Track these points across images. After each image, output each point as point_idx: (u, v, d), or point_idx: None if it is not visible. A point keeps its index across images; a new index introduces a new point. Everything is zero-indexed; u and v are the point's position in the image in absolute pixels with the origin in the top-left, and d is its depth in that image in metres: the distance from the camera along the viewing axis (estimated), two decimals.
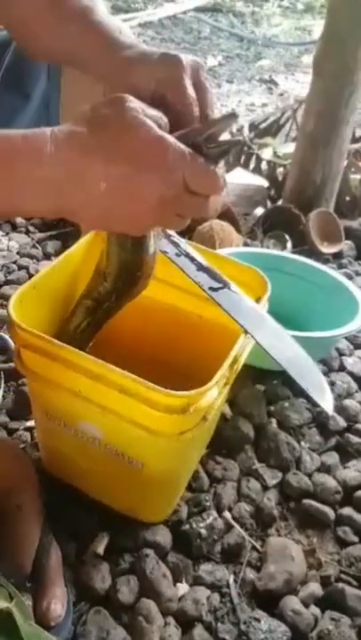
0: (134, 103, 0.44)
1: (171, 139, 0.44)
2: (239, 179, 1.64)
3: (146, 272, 0.64)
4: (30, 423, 0.90)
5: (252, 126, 1.90)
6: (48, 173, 0.43)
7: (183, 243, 0.74)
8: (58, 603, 0.65)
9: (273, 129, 1.94)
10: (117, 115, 0.43)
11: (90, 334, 0.73)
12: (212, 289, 0.71)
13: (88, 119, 0.44)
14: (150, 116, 0.45)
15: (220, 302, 0.70)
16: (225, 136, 0.52)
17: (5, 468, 0.75)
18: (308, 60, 3.12)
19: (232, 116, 0.48)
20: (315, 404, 0.67)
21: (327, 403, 0.64)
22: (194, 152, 0.45)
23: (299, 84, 2.97)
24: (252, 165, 1.76)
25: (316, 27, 3.59)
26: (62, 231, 1.40)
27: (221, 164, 0.48)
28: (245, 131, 1.85)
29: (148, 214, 0.45)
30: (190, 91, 0.49)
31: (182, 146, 0.45)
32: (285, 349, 0.67)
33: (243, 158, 1.77)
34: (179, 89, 0.49)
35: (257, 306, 0.73)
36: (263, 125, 1.93)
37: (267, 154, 1.77)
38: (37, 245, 1.37)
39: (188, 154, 0.44)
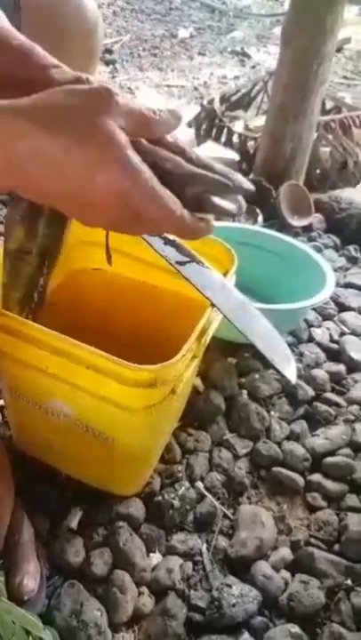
0: (114, 116, 0.39)
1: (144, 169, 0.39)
2: (210, 152, 1.63)
3: None
4: (0, 402, 0.90)
5: (224, 99, 1.88)
6: None
7: None
8: (30, 578, 0.66)
9: (244, 102, 1.92)
10: (91, 116, 0.38)
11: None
12: (179, 263, 0.71)
13: (57, 102, 0.39)
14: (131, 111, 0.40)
15: (187, 276, 0.70)
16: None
17: None
18: (279, 31, 3.08)
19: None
20: (281, 375, 0.68)
21: (291, 373, 0.65)
22: (159, 185, 0.40)
23: (271, 56, 2.93)
24: (223, 138, 1.74)
25: None
26: None
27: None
28: (217, 103, 1.82)
29: (100, 214, 0.41)
30: None
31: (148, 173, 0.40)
32: (251, 322, 0.67)
33: (214, 131, 1.76)
34: None
35: (224, 279, 0.73)
36: (234, 98, 1.91)
37: (238, 127, 1.75)
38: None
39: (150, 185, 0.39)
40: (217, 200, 0.45)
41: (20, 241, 0.59)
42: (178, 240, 0.72)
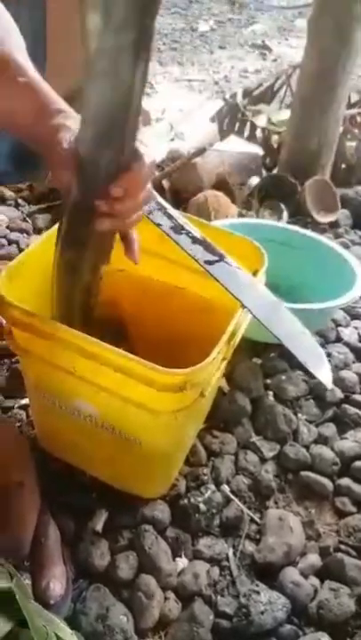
0: None
1: None
2: (234, 147, 1.60)
3: None
4: (25, 401, 0.89)
5: (246, 93, 1.85)
6: None
7: (178, 215, 0.72)
8: (57, 582, 0.65)
9: (267, 95, 1.89)
10: None
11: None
12: (207, 262, 0.69)
13: None
14: None
15: (216, 275, 0.68)
16: None
17: (5, 448, 0.74)
18: (301, 23, 3.03)
19: None
20: (313, 378, 0.66)
21: (325, 376, 0.63)
22: None
23: (292, 49, 2.88)
24: (246, 133, 1.72)
25: None
26: (52, 204, 1.36)
27: None
28: (239, 97, 1.80)
29: None
30: None
31: None
32: (283, 323, 0.66)
33: (237, 126, 1.73)
34: None
35: (253, 278, 0.71)
36: (257, 92, 1.88)
37: (261, 121, 1.72)
38: (27, 219, 1.34)
39: None
40: None
41: None
42: (206, 239, 0.71)
